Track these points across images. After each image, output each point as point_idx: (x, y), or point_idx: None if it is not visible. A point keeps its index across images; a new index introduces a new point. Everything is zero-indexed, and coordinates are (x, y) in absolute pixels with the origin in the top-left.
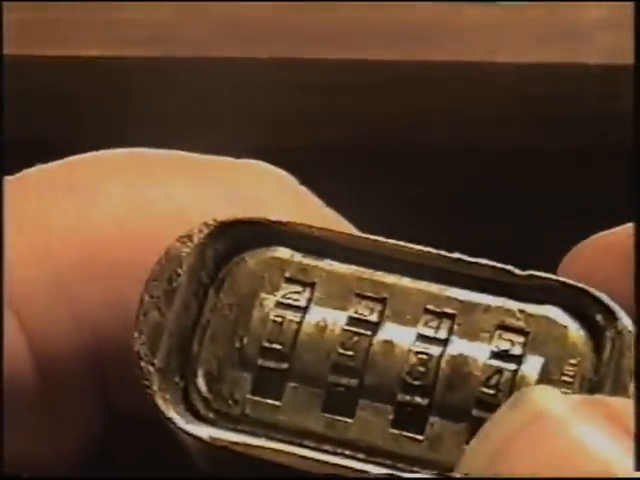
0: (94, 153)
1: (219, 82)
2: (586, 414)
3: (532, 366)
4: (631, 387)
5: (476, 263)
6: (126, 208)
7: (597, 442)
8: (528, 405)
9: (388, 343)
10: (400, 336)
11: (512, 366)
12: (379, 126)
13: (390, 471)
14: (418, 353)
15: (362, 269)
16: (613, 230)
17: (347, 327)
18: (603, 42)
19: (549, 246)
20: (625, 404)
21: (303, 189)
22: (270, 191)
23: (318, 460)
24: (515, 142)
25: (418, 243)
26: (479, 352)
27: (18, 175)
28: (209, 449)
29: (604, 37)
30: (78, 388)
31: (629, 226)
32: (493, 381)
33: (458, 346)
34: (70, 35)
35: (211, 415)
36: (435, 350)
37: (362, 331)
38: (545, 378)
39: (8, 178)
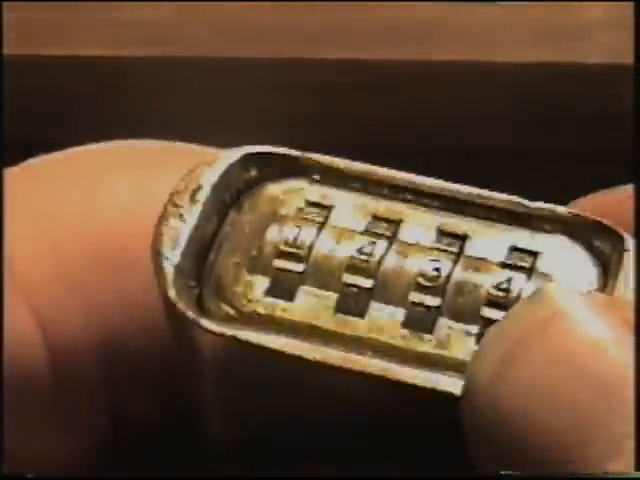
0: (95, 145)
1: (219, 82)
2: (603, 317)
3: (542, 277)
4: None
5: (488, 195)
6: (133, 200)
7: (611, 346)
8: (547, 302)
9: (403, 248)
10: (415, 242)
11: (523, 275)
12: (379, 126)
13: (397, 365)
14: (432, 260)
15: (379, 198)
16: (613, 189)
17: (364, 235)
18: (603, 42)
19: None
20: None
21: None
22: None
23: (323, 354)
24: (515, 142)
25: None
26: (491, 263)
27: (21, 165)
28: (218, 349)
29: (604, 37)
30: (88, 384)
31: (629, 187)
32: (504, 285)
33: (471, 256)
34: (70, 35)
35: (223, 314)
36: (448, 256)
37: (379, 237)
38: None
39: (11, 169)
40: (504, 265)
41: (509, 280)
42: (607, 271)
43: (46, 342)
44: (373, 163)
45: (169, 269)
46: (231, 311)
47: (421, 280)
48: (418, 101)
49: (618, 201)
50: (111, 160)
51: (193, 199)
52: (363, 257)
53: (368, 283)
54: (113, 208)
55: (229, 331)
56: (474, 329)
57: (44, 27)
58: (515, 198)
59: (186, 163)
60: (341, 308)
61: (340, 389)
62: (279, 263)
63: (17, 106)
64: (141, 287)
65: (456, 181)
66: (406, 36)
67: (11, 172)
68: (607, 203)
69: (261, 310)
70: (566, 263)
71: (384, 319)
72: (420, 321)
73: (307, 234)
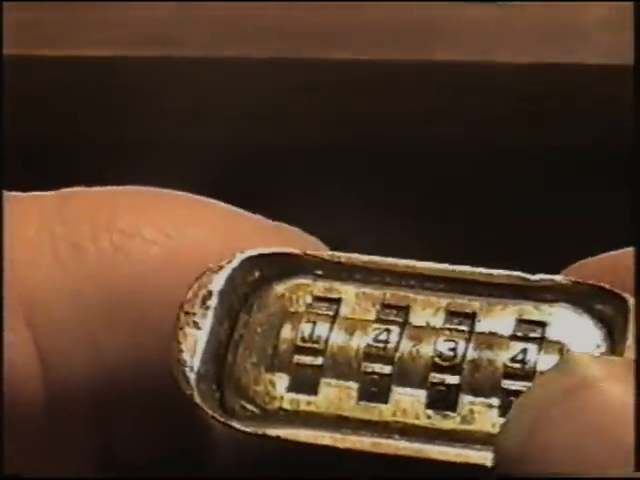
0: (135, 189)
1: (219, 82)
2: (626, 382)
3: (553, 345)
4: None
5: (489, 273)
6: (162, 259)
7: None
8: (571, 371)
9: (416, 332)
10: (428, 325)
11: (535, 345)
12: (379, 126)
13: (426, 444)
14: (446, 340)
15: (383, 287)
16: (609, 254)
17: (376, 324)
18: (602, 42)
19: (548, 245)
20: None
21: None
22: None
23: (354, 442)
24: (514, 142)
25: (418, 242)
26: (503, 337)
27: (62, 192)
28: (248, 449)
29: (603, 37)
30: (79, 426)
31: (624, 252)
32: (519, 356)
33: (482, 332)
34: (70, 35)
35: (248, 414)
36: (460, 335)
37: (394, 318)
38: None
39: (47, 194)
40: (515, 337)
41: (524, 351)
42: (612, 334)
43: (44, 381)
44: (373, 163)
45: (192, 376)
46: (256, 410)
47: (438, 360)
48: (418, 101)
49: (613, 267)
50: (147, 213)
51: (204, 306)
52: (379, 344)
53: (387, 369)
54: (140, 264)
55: (260, 430)
56: (496, 402)
57: (44, 27)
58: (516, 273)
59: (221, 226)
60: (364, 396)
61: (369, 471)
62: (298, 359)
63: (17, 106)
64: (152, 344)
65: (456, 260)
66: (406, 36)
67: (47, 199)
68: (602, 269)
69: (286, 406)
70: (573, 329)
71: (407, 402)
72: (442, 400)
73: (321, 328)
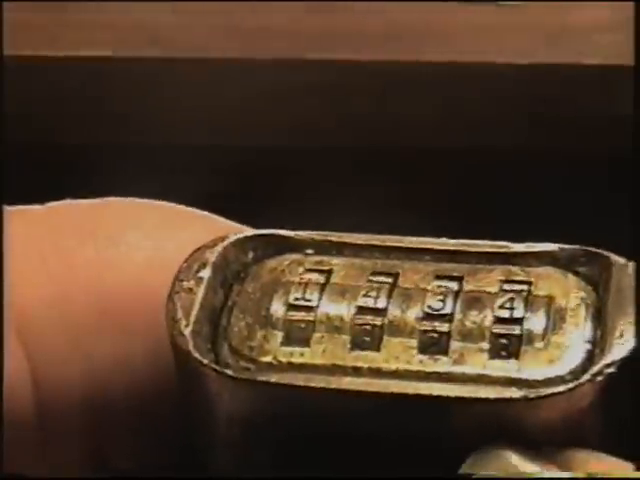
0: (119, 200)
1: (219, 83)
2: None
3: (540, 294)
4: (630, 311)
5: (475, 242)
6: (147, 263)
7: None
8: None
9: (408, 288)
10: (417, 284)
11: (522, 297)
12: (379, 126)
13: (419, 384)
14: (436, 295)
15: (373, 259)
16: None
17: (367, 284)
18: (602, 43)
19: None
20: None
21: None
22: None
23: (348, 383)
24: (514, 142)
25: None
26: (491, 292)
27: (46, 206)
28: (242, 403)
29: (603, 38)
30: (73, 432)
31: None
32: (507, 304)
33: (472, 286)
34: (70, 36)
35: (242, 368)
36: (450, 292)
37: (384, 279)
38: (553, 305)
39: (35, 208)
40: (503, 291)
41: (511, 300)
42: (597, 291)
43: (35, 389)
44: (373, 163)
45: (187, 331)
46: (250, 365)
47: (429, 311)
48: (417, 102)
49: None
50: (132, 220)
51: (198, 276)
52: (370, 299)
53: (379, 320)
54: (127, 270)
55: (261, 377)
56: (485, 346)
57: (44, 27)
58: (501, 242)
59: (203, 233)
60: (356, 346)
61: (365, 415)
62: (291, 315)
63: (17, 107)
64: (141, 350)
65: (442, 234)
66: (406, 37)
67: (34, 212)
68: None
69: (280, 358)
70: (558, 287)
71: (399, 349)
72: (434, 345)
73: (313, 290)
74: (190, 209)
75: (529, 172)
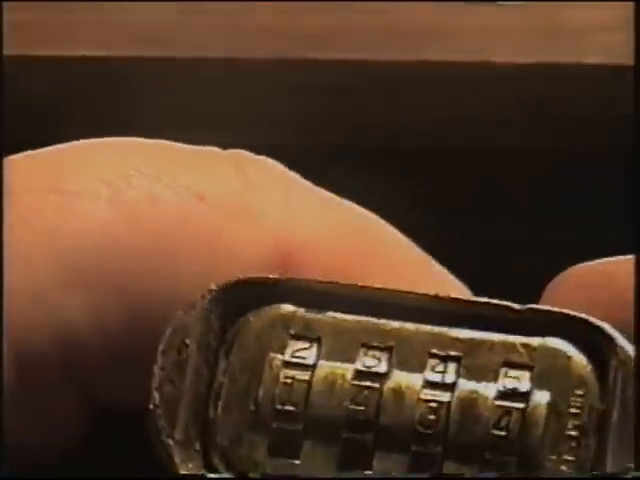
0: (80, 144)
1: (219, 83)
2: None
3: (540, 402)
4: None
5: (476, 302)
6: (108, 210)
7: None
8: None
9: (397, 393)
10: (408, 385)
11: (520, 405)
12: (379, 126)
13: None
14: (428, 401)
15: (365, 318)
16: (605, 260)
17: (356, 382)
18: (602, 42)
19: (547, 245)
20: None
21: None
22: (263, 183)
23: None
24: (514, 142)
25: (418, 242)
26: (487, 393)
27: (7, 160)
28: None
29: (603, 37)
30: (57, 391)
31: (623, 258)
32: (503, 422)
33: (466, 389)
34: (70, 35)
35: (234, 477)
36: (444, 396)
37: (370, 384)
38: (553, 412)
39: (13, 157)
40: (500, 394)
41: (509, 412)
42: (604, 371)
43: (9, 351)
44: (373, 163)
45: (173, 447)
46: (241, 474)
47: (420, 429)
48: (418, 102)
49: (609, 274)
50: (92, 168)
51: (180, 357)
52: (360, 408)
53: (369, 437)
54: (89, 222)
55: None
56: (477, 469)
57: (44, 27)
58: (504, 303)
59: (166, 174)
60: (345, 463)
61: None
62: (278, 424)
63: (17, 107)
64: (110, 301)
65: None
66: (406, 37)
67: (11, 160)
68: (597, 276)
69: (269, 471)
70: (561, 375)
71: (390, 469)
72: (426, 468)
73: (299, 388)
74: (154, 142)
75: (529, 172)
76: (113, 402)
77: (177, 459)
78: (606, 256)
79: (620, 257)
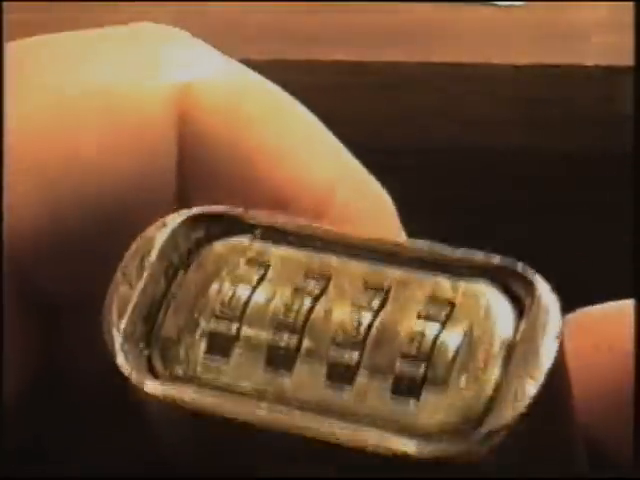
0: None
1: None
2: None
3: (455, 330)
4: (542, 350)
5: (411, 246)
6: (42, 100)
7: None
8: None
9: (327, 312)
10: (339, 306)
11: (436, 330)
12: (379, 127)
13: (315, 416)
14: (352, 320)
15: (312, 253)
16: (616, 303)
17: (291, 298)
18: (601, 43)
19: (547, 245)
20: None
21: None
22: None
23: (249, 415)
24: (513, 143)
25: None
26: (408, 318)
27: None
28: (164, 410)
29: (602, 39)
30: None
31: (621, 303)
32: (415, 343)
33: (389, 312)
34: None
35: (168, 375)
36: (367, 316)
37: (303, 301)
38: (466, 340)
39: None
40: (419, 319)
41: (423, 334)
42: (523, 315)
43: None
44: (373, 163)
45: (117, 335)
46: (177, 372)
47: (340, 339)
48: (418, 102)
49: (617, 317)
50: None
51: (141, 265)
52: (289, 320)
53: (294, 339)
54: (22, 110)
55: (168, 390)
56: (389, 384)
57: (44, 27)
58: (437, 247)
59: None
60: (271, 364)
61: (270, 447)
62: (214, 326)
63: None
64: (62, 185)
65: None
66: (406, 38)
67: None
68: (605, 319)
69: (200, 371)
70: (479, 310)
71: (308, 376)
72: (341, 377)
73: (239, 299)
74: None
75: (529, 172)
76: (55, 291)
77: (118, 348)
78: (605, 255)
79: (625, 301)
